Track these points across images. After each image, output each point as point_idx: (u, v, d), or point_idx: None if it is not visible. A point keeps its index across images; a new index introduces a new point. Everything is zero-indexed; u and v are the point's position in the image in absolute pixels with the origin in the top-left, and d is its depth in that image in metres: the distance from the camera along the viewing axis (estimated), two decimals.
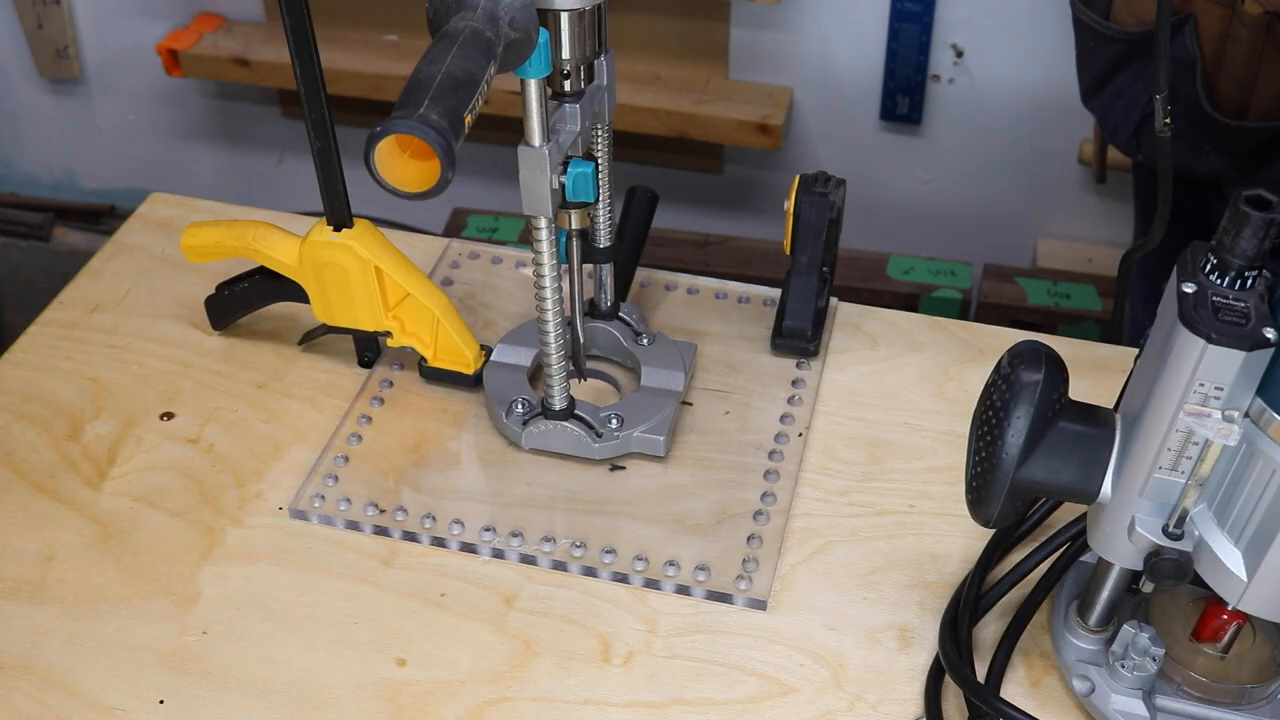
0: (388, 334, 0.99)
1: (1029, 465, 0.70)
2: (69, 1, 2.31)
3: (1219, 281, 0.64)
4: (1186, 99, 1.17)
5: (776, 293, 1.08)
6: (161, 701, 0.80)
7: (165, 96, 2.40)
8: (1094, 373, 1.00)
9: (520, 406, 0.95)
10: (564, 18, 0.81)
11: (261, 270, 1.00)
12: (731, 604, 0.86)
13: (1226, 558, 0.68)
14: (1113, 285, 1.74)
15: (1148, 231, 1.20)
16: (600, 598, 0.86)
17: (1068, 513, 0.85)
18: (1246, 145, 1.18)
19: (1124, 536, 0.70)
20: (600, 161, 0.92)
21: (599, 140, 0.91)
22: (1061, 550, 0.83)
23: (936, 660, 0.81)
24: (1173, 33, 1.17)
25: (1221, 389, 0.63)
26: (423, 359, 1.00)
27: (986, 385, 0.72)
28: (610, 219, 0.96)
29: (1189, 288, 0.64)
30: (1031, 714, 0.74)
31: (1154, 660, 0.75)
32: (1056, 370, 0.70)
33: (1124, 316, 1.27)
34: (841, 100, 2.08)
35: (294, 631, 0.84)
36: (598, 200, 0.90)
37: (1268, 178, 1.19)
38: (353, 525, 0.91)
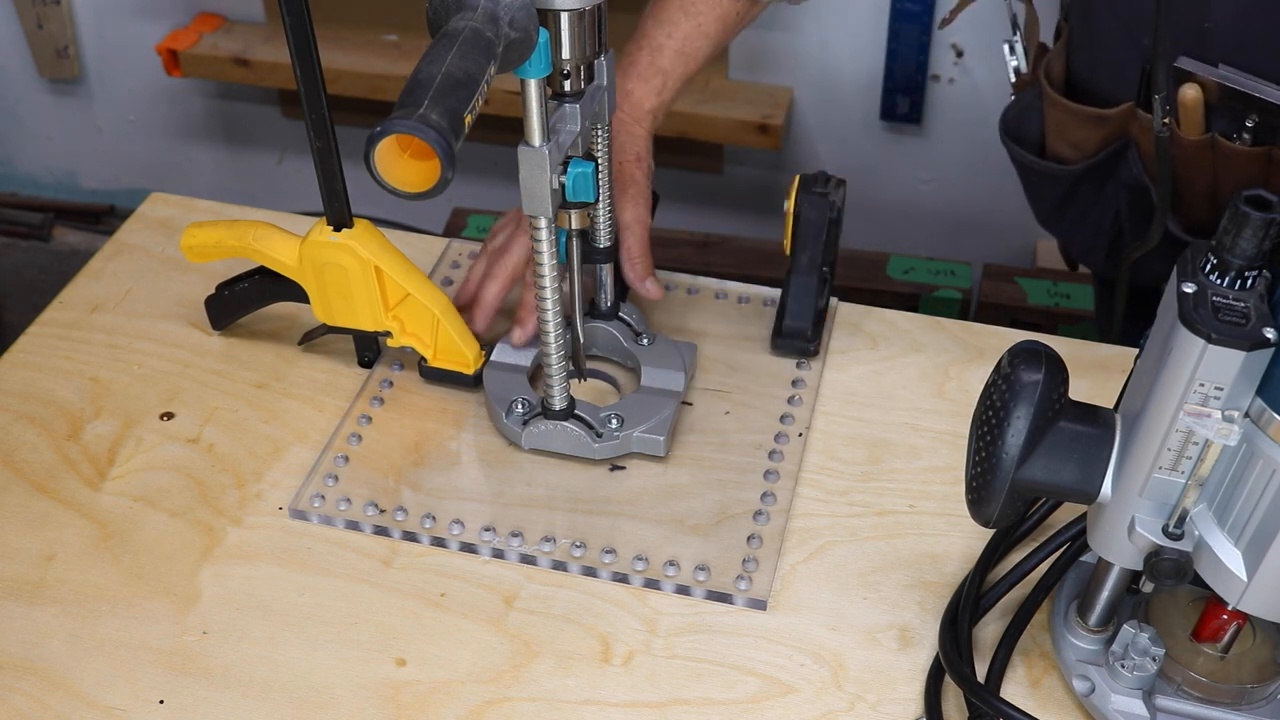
0: (388, 334, 0.99)
1: (1029, 465, 0.70)
2: (69, 1, 2.31)
3: (1219, 281, 0.64)
4: (1150, 219, 1.10)
5: (776, 293, 1.08)
6: (161, 701, 0.80)
7: (165, 96, 2.40)
8: (1094, 373, 1.00)
9: (520, 406, 0.95)
10: (564, 18, 0.81)
11: (261, 270, 1.00)
12: (731, 604, 0.86)
13: (1226, 558, 0.68)
14: None
15: (1109, 334, 1.18)
16: (600, 598, 0.86)
17: (1068, 513, 0.85)
18: None
19: (1124, 536, 0.70)
20: (600, 161, 0.92)
21: (599, 140, 0.91)
22: (1061, 550, 0.83)
23: (936, 660, 0.81)
24: (1116, 159, 1.12)
25: (1221, 389, 0.63)
26: (423, 359, 1.00)
27: (986, 385, 0.72)
28: (610, 219, 0.96)
29: (1189, 288, 0.64)
30: (1031, 714, 0.73)
31: (1154, 660, 0.75)
32: (1056, 370, 0.70)
33: (1118, 320, 1.26)
34: (841, 100, 2.08)
35: (294, 631, 0.84)
36: (598, 200, 0.90)
37: None
38: (353, 525, 0.91)
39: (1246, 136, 1.03)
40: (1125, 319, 1.23)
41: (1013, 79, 1.23)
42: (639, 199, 1.02)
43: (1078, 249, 1.28)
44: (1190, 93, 1.01)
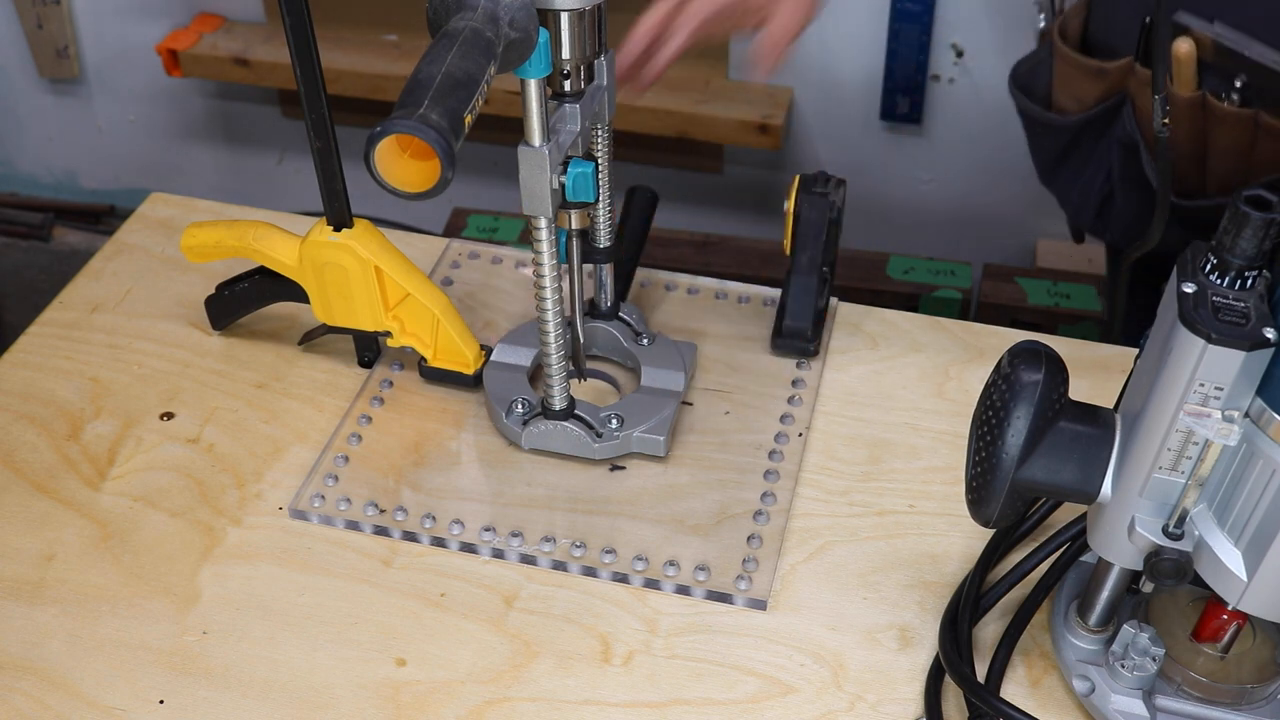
0: (388, 334, 0.99)
1: (1029, 465, 0.70)
2: (69, 1, 2.31)
3: (1219, 281, 0.64)
4: (1138, 181, 1.12)
5: (776, 293, 1.08)
6: (161, 701, 0.80)
7: (165, 96, 2.40)
8: (1094, 373, 1.00)
9: (520, 406, 0.95)
10: (564, 18, 0.81)
11: (261, 270, 1.00)
12: (731, 604, 0.86)
13: (1226, 558, 0.68)
14: None
15: (1115, 308, 1.18)
16: (600, 598, 0.86)
17: (1068, 513, 0.85)
18: (1211, 219, 1.15)
19: (1124, 536, 0.71)
20: (600, 161, 0.92)
21: (599, 140, 0.91)
22: (1061, 550, 0.83)
23: (936, 660, 0.81)
24: (1111, 115, 1.14)
25: (1221, 389, 0.63)
26: (423, 359, 1.00)
27: (986, 385, 0.72)
28: (610, 219, 0.96)
29: (1189, 288, 0.64)
30: (1031, 714, 0.73)
31: (1154, 660, 0.75)
32: (1056, 370, 0.70)
33: (1120, 321, 1.26)
34: (841, 100, 2.08)
35: (294, 631, 0.84)
36: (598, 200, 0.90)
37: None
38: (353, 525, 0.91)
39: (1235, 97, 1.03)
40: (1129, 300, 1.23)
41: (1038, 37, 1.25)
42: (800, 6, 0.96)
43: (1071, 208, 1.30)
44: (1184, 47, 1.02)
